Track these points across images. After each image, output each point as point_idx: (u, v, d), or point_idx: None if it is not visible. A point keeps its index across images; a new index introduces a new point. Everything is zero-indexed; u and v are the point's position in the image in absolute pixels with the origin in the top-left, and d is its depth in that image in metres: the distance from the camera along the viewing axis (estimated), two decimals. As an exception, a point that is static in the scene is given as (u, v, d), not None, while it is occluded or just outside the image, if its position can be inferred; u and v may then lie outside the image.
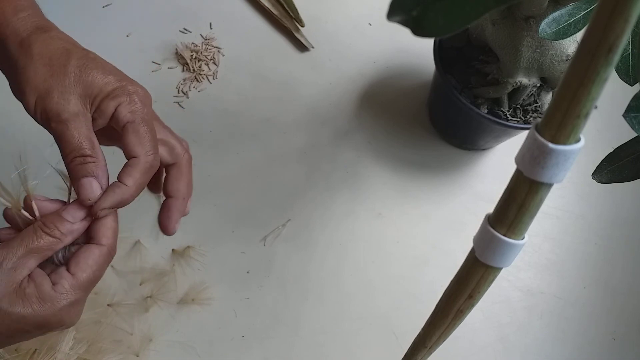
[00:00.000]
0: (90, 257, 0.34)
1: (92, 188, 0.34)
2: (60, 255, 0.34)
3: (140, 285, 0.54)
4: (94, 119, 0.35)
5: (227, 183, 0.61)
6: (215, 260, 0.56)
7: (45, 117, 0.34)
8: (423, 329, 0.28)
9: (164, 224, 0.39)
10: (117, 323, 0.52)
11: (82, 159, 0.34)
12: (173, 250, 0.56)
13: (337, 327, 0.55)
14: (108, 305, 0.51)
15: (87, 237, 0.35)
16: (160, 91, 0.64)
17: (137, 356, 0.51)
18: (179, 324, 0.53)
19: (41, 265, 0.33)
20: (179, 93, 0.65)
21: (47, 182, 0.36)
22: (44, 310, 0.32)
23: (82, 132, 0.34)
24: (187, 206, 0.40)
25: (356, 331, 0.55)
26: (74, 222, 0.34)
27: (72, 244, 0.35)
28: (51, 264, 0.34)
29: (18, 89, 0.34)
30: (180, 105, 0.64)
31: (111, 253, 0.35)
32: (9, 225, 0.35)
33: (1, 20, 0.35)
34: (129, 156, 0.35)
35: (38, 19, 0.37)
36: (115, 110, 0.35)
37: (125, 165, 0.35)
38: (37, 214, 0.35)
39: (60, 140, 0.34)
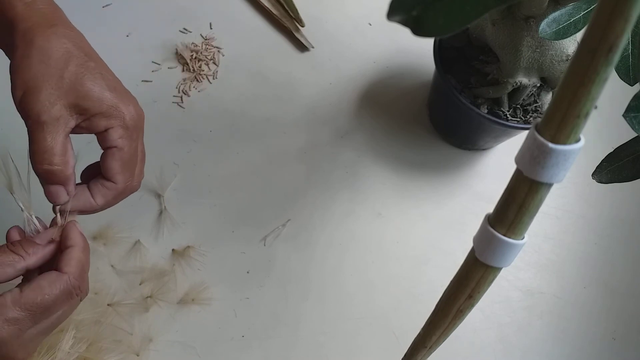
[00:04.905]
0: (46, 279, 0.33)
1: (59, 196, 0.35)
2: None
3: (140, 285, 0.54)
4: (79, 127, 0.35)
5: (227, 183, 0.61)
6: (215, 260, 0.56)
7: (25, 113, 0.33)
8: (423, 329, 0.28)
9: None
10: (117, 323, 0.52)
11: (49, 167, 0.33)
12: (173, 250, 0.56)
13: (337, 327, 0.55)
14: (108, 305, 0.51)
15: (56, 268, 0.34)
16: (160, 91, 0.64)
17: (138, 355, 0.51)
18: (179, 324, 0.53)
19: None
20: (179, 93, 0.65)
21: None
22: None
23: (56, 138, 0.33)
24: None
25: (356, 331, 0.55)
26: (41, 243, 0.35)
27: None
28: None
29: (11, 75, 0.34)
30: (180, 105, 0.64)
31: (72, 282, 0.33)
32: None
33: (7, 4, 0.34)
34: (107, 178, 0.36)
35: (47, 7, 0.36)
36: (106, 131, 0.35)
37: (101, 185, 0.36)
38: (39, 226, 0.36)
39: (33, 140, 0.33)
